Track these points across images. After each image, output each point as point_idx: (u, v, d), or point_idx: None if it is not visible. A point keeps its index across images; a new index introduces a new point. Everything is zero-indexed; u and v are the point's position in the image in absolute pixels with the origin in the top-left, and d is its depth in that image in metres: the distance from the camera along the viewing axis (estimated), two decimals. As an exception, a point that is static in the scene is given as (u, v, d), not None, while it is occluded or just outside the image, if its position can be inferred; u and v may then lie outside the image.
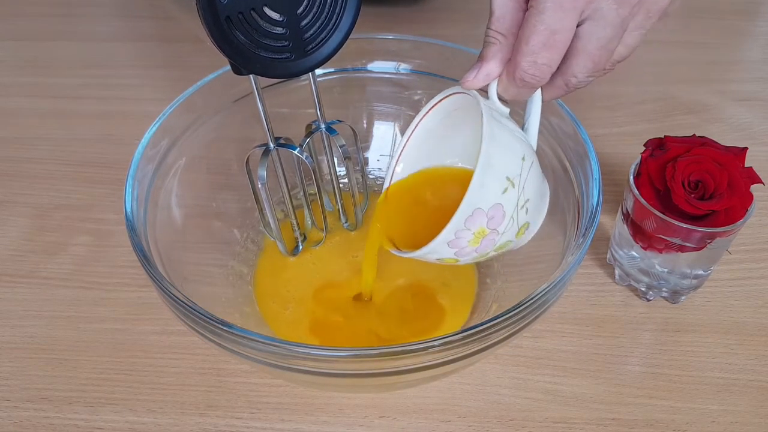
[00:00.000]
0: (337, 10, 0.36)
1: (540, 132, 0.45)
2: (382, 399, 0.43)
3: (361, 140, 0.50)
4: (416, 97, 0.53)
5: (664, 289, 0.47)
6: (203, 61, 0.71)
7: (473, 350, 0.34)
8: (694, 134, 0.45)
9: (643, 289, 0.48)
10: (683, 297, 0.48)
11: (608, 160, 0.59)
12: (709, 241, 0.42)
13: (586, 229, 0.37)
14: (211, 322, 0.33)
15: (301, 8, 0.35)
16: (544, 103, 0.36)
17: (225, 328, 0.33)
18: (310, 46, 0.36)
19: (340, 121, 0.47)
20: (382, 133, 0.55)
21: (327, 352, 0.32)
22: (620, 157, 0.59)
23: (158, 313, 0.47)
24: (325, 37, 0.37)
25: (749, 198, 0.42)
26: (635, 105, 0.67)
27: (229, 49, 0.33)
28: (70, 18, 0.81)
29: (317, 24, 0.36)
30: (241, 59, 0.34)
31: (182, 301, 0.34)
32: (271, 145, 0.42)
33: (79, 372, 0.44)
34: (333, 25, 0.37)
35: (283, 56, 0.36)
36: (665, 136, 0.45)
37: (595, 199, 0.38)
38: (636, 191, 0.43)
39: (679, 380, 0.44)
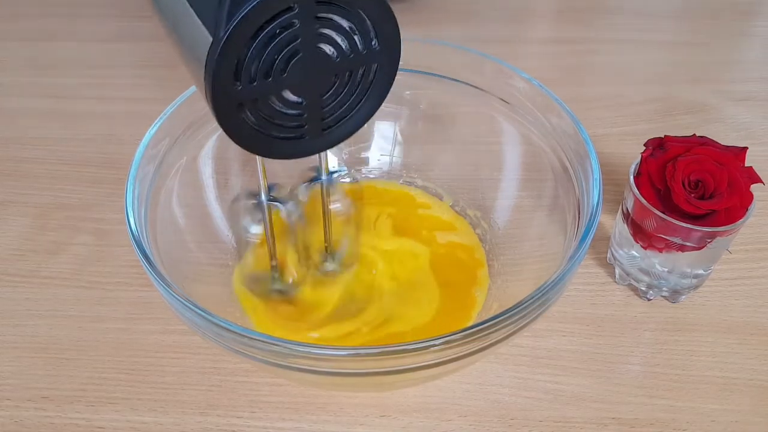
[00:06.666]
0: (363, 92, 0.31)
1: (540, 132, 0.46)
2: (383, 398, 0.43)
3: (362, 140, 0.50)
4: (416, 97, 0.53)
5: (664, 288, 0.47)
6: (204, 61, 0.71)
7: (474, 349, 0.34)
8: (694, 134, 0.45)
9: (643, 288, 0.48)
10: (683, 296, 0.48)
11: (608, 159, 0.59)
12: (709, 240, 0.42)
13: (586, 229, 0.37)
14: (212, 321, 0.33)
15: (329, 93, 0.30)
16: None
17: (226, 327, 0.33)
18: (327, 127, 0.32)
19: (343, 170, 0.43)
20: (383, 132, 0.55)
21: (327, 351, 0.32)
22: (620, 157, 0.60)
23: (159, 312, 0.48)
24: (344, 116, 0.32)
25: (749, 197, 0.42)
26: (635, 105, 0.67)
27: (236, 134, 0.29)
28: (70, 18, 0.81)
29: (340, 106, 0.31)
30: (248, 142, 0.30)
31: (183, 301, 0.34)
32: (264, 199, 0.39)
33: (81, 371, 0.44)
34: (355, 106, 0.32)
35: (295, 136, 0.31)
36: (665, 135, 0.45)
37: (596, 198, 0.38)
38: (636, 191, 0.43)
39: (679, 379, 0.44)
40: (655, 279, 0.46)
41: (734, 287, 0.49)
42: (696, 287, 0.47)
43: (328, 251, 0.47)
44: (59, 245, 0.53)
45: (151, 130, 0.42)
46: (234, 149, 0.50)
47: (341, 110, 0.31)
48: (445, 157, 0.55)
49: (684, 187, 0.42)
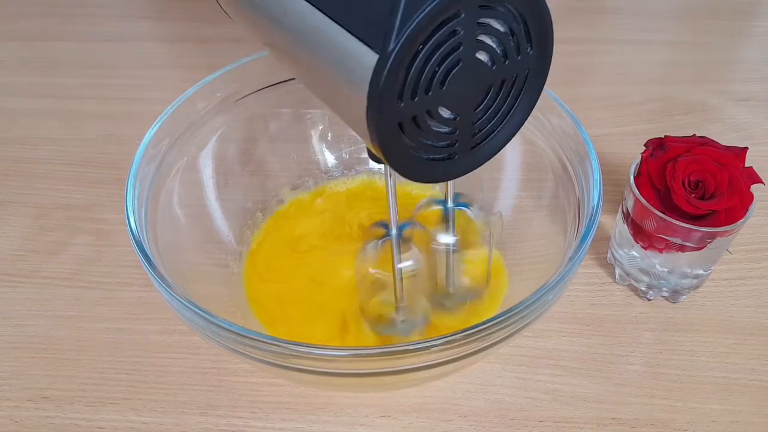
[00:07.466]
0: (513, 102, 0.29)
1: (540, 132, 0.46)
2: (383, 398, 0.43)
3: (362, 141, 0.49)
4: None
5: (664, 288, 0.47)
6: (204, 61, 0.71)
7: (474, 350, 0.34)
8: (694, 134, 0.45)
9: (644, 288, 0.48)
10: (683, 297, 0.48)
11: (608, 160, 0.59)
12: (709, 240, 0.42)
13: (586, 229, 0.37)
14: (212, 321, 0.33)
15: (481, 106, 0.28)
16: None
17: (226, 328, 0.33)
18: (476, 144, 0.29)
19: (467, 205, 0.42)
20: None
21: (327, 351, 0.32)
22: (620, 157, 0.60)
23: (159, 312, 0.48)
24: (492, 130, 0.29)
25: (749, 198, 0.42)
26: (635, 105, 0.67)
27: (395, 159, 0.27)
28: (70, 18, 0.81)
29: (490, 119, 0.29)
30: (406, 168, 0.28)
31: (184, 301, 0.34)
32: (394, 232, 0.38)
33: (81, 371, 0.44)
34: (504, 118, 0.29)
35: (445, 156, 0.28)
36: (665, 136, 0.45)
37: (596, 199, 0.38)
38: (636, 191, 0.43)
39: (679, 380, 0.44)
40: (655, 279, 0.46)
41: (734, 287, 0.49)
42: (696, 287, 0.47)
43: (451, 288, 0.45)
44: (59, 245, 0.53)
45: (152, 130, 0.42)
46: (234, 150, 0.50)
47: (491, 124, 0.29)
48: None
49: (684, 188, 0.42)
